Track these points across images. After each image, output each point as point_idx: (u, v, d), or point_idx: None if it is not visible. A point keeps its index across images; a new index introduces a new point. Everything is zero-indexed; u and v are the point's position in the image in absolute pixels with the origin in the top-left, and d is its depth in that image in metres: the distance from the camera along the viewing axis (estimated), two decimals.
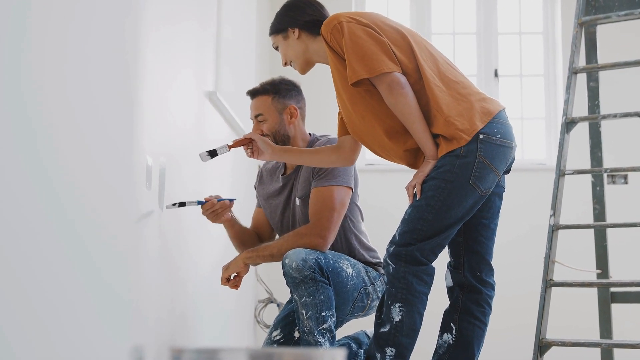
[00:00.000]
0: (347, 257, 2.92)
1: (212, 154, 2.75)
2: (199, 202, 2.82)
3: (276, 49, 2.81)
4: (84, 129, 1.71)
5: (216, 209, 2.88)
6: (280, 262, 2.79)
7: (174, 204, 2.65)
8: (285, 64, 2.81)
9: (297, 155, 2.91)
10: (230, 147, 2.80)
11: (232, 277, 2.91)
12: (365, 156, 5.22)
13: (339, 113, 2.80)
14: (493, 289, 2.70)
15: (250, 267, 2.97)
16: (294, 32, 2.73)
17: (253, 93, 3.08)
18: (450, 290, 2.70)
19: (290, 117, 3.03)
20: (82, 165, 1.70)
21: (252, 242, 3.06)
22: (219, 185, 3.39)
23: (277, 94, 3.04)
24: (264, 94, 3.05)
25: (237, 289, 2.95)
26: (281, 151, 2.87)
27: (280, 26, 2.76)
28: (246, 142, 2.86)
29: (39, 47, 1.47)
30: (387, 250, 2.53)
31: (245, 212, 3.29)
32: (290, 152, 2.91)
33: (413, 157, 2.66)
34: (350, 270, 2.86)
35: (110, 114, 1.94)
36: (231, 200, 2.90)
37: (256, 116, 3.04)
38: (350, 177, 2.95)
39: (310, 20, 2.73)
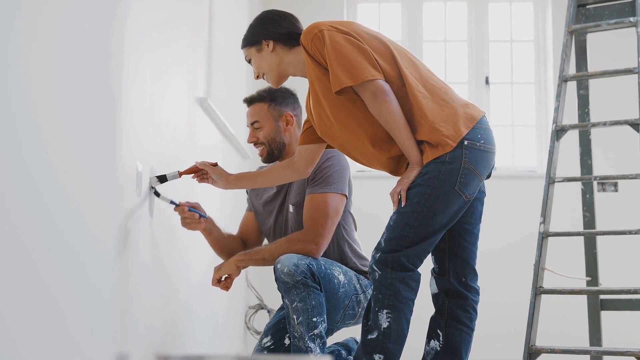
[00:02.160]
0: (339, 264, 2.92)
1: (162, 179, 2.63)
2: (172, 202, 2.75)
3: (249, 62, 2.77)
4: (71, 134, 1.71)
5: (185, 217, 2.84)
6: (272, 267, 2.79)
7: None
8: (258, 77, 2.76)
9: (252, 180, 2.91)
10: (180, 173, 2.73)
11: (223, 279, 2.92)
12: (356, 163, 5.21)
13: (306, 121, 2.79)
14: (478, 293, 2.71)
15: (242, 271, 2.98)
16: (268, 45, 2.69)
17: (249, 101, 3.08)
18: (435, 297, 2.71)
19: (286, 125, 3.03)
20: (70, 171, 1.70)
21: (234, 249, 3.03)
22: (210, 191, 3.39)
23: (273, 101, 3.04)
24: (260, 101, 3.05)
25: (227, 290, 2.95)
26: (235, 179, 2.86)
27: (254, 38, 2.71)
28: (197, 171, 2.82)
29: (25, 52, 1.47)
30: (373, 256, 2.52)
31: (236, 222, 3.29)
32: (243, 178, 2.90)
33: (395, 164, 2.66)
34: (342, 277, 2.86)
35: (100, 120, 1.94)
36: (201, 216, 2.86)
37: (252, 123, 3.04)
38: (345, 184, 2.95)
39: (285, 32, 2.69)
